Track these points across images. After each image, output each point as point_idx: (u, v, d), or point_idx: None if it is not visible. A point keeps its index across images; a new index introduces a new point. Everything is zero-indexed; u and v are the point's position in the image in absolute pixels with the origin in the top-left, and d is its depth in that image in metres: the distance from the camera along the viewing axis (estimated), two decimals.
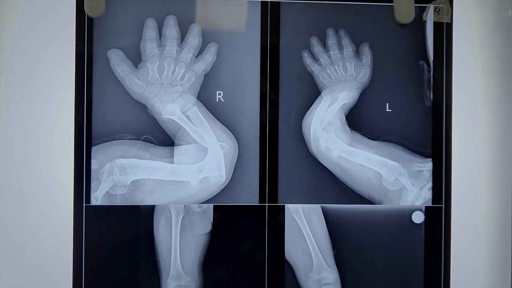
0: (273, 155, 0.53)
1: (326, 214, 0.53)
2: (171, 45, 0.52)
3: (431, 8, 0.54)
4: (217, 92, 0.52)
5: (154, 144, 0.52)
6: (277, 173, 0.53)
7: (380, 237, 0.53)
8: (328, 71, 0.53)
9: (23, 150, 0.51)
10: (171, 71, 0.52)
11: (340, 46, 0.53)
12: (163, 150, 0.52)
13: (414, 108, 0.54)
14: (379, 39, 0.54)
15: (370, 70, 0.54)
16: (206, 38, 0.52)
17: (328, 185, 0.53)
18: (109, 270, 0.51)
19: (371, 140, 0.54)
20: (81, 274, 0.51)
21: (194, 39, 0.52)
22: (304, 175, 0.53)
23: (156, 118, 0.52)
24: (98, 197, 0.51)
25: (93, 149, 0.51)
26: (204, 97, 0.52)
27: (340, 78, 0.53)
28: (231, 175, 0.52)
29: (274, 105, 0.53)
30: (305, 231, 0.53)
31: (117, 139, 0.51)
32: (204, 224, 0.52)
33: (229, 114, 0.53)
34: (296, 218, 0.53)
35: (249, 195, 0.52)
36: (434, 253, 0.54)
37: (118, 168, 0.51)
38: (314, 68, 0.53)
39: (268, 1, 0.53)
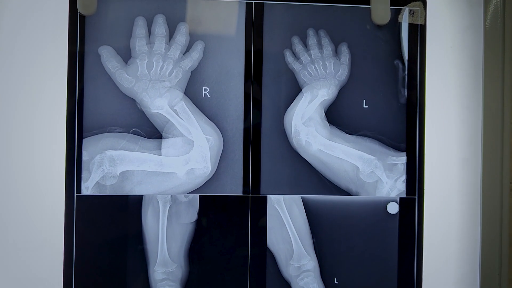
0: (256, 148, 0.54)
1: (306, 204, 0.55)
2: (159, 43, 0.54)
3: (406, 10, 0.56)
4: (203, 88, 0.54)
5: (143, 137, 0.53)
6: (260, 165, 0.55)
7: (357, 227, 0.55)
8: (309, 69, 0.55)
9: (17, 142, 0.52)
10: (159, 67, 0.54)
11: (320, 46, 0.55)
12: (151, 143, 0.53)
13: (389, 105, 0.56)
14: (357, 39, 0.56)
15: (348, 69, 0.56)
16: (193, 37, 0.54)
17: (308, 177, 0.55)
18: (98, 257, 0.53)
19: (348, 135, 0.56)
20: (71, 261, 0.52)
21: (181, 37, 0.54)
22: (286, 167, 0.55)
23: (144, 112, 0.53)
24: (88, 187, 0.53)
25: (84, 141, 0.53)
26: (191, 93, 0.54)
27: (320, 76, 0.55)
28: (216, 167, 0.54)
29: (258, 101, 0.55)
30: (286, 220, 0.55)
31: (107, 132, 0.53)
32: (190, 214, 0.54)
33: (214, 109, 0.54)
34: (278, 208, 0.55)
35: (233, 186, 0.54)
36: (408, 241, 0.56)
37: (108, 160, 0.53)
38: (295, 66, 0.55)
39: (252, 2, 0.55)
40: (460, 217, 0.57)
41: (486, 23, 0.56)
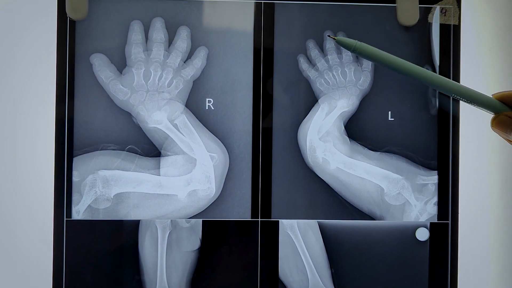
0: (266, 167, 0.50)
1: (323, 230, 0.51)
2: (158, 49, 0.50)
3: (437, 9, 0.51)
4: (207, 99, 0.50)
5: (139, 154, 0.50)
6: (271, 186, 0.51)
7: (381, 256, 0.51)
8: (326, 77, 0.51)
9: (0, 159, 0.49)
10: (157, 77, 0.50)
11: (338, 50, 0.51)
12: (148, 161, 0.50)
13: (418, 117, 0.51)
14: (381, 43, 0.51)
15: (371, 76, 0.51)
16: (196, 42, 0.50)
17: (326, 199, 0.51)
18: None
19: (372, 151, 0.51)
20: None
21: (182, 42, 0.50)
22: (300, 188, 0.51)
23: (141, 127, 0.50)
24: (79, 211, 0.49)
25: (75, 160, 0.49)
26: (193, 105, 0.50)
27: (339, 85, 0.51)
28: (221, 188, 0.50)
29: (268, 113, 0.50)
30: (301, 248, 0.51)
31: (100, 150, 0.49)
32: (192, 241, 0.50)
33: (219, 123, 0.50)
34: (291, 235, 0.51)
35: (240, 210, 0.50)
36: (440, 273, 0.51)
37: (101, 180, 0.49)
38: (310, 73, 0.51)
39: (261, 2, 0.50)
40: (499, 245, 0.52)
41: None
